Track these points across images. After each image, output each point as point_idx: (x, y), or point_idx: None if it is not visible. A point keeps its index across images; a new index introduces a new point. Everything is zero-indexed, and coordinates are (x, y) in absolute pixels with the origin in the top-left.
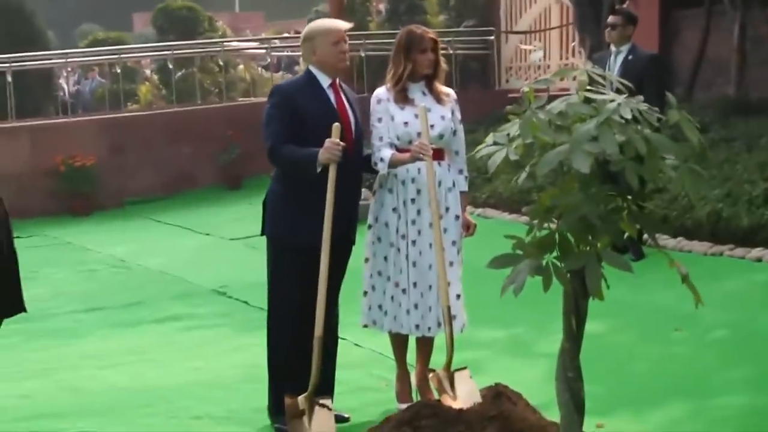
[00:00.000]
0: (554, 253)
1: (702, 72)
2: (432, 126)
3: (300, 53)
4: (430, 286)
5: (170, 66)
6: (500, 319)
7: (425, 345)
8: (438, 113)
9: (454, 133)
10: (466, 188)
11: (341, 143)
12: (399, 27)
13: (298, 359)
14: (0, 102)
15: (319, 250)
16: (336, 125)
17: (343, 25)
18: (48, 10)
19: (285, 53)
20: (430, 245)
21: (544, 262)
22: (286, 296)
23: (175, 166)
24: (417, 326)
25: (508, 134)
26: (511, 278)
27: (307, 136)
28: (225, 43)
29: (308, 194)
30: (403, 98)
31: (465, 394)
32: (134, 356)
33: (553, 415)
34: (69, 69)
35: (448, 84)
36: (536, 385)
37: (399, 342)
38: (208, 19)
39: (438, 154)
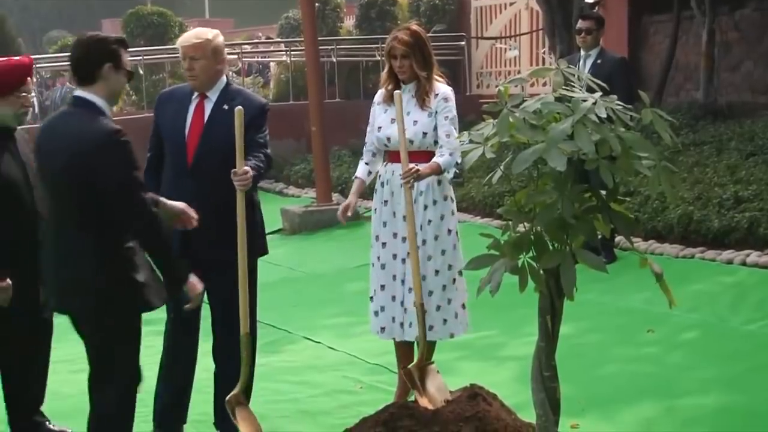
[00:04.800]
0: (530, 253)
1: (671, 77)
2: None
3: (270, 58)
4: (393, 297)
5: (141, 71)
6: (473, 322)
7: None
8: (412, 117)
9: (434, 128)
10: (438, 160)
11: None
12: (370, 33)
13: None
14: None
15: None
16: None
17: (186, 42)
18: (16, 17)
19: (255, 59)
20: (403, 260)
21: (519, 262)
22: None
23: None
24: (383, 329)
25: (483, 134)
26: (487, 278)
27: (165, 149)
28: None
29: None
30: (388, 98)
31: (435, 389)
32: None
33: (527, 416)
34: (38, 76)
35: None
36: (510, 387)
37: (396, 345)
38: (179, 25)
39: (412, 156)
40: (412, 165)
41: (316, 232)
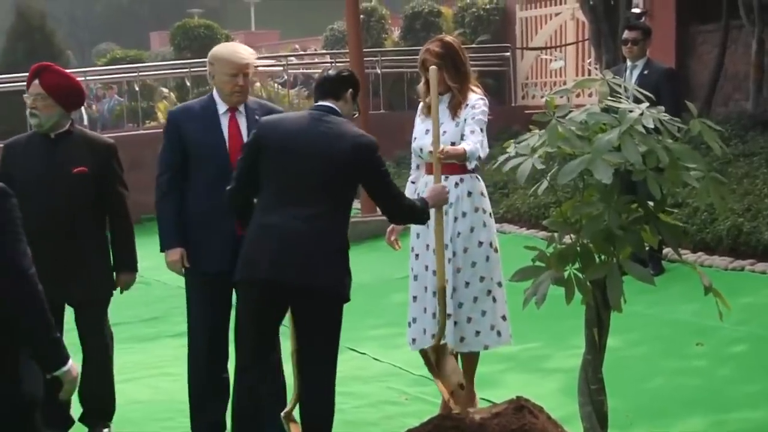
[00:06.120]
0: (576, 265)
1: (720, 87)
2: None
3: (314, 70)
4: (425, 309)
5: (188, 83)
6: (517, 333)
7: (466, 361)
8: (442, 128)
9: (462, 137)
10: (463, 145)
11: (182, 269)
12: (415, 44)
13: (206, 394)
14: (20, 120)
15: (226, 275)
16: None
17: (245, 58)
18: (65, 29)
19: (301, 70)
20: (434, 272)
21: (565, 274)
22: (197, 326)
23: None
24: (414, 340)
25: (529, 144)
26: (533, 290)
27: (193, 165)
28: None
29: (209, 217)
30: (426, 110)
31: (449, 371)
32: (154, 370)
33: (574, 429)
34: (87, 88)
35: None
36: (556, 399)
37: None
38: (225, 37)
39: (442, 168)
40: (442, 146)
41: (361, 242)
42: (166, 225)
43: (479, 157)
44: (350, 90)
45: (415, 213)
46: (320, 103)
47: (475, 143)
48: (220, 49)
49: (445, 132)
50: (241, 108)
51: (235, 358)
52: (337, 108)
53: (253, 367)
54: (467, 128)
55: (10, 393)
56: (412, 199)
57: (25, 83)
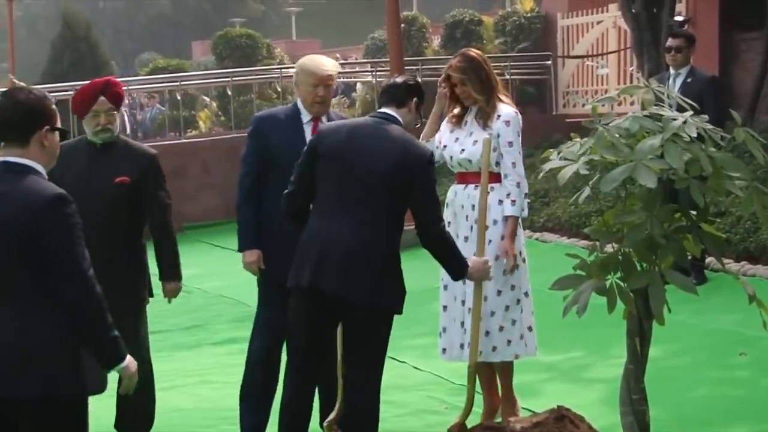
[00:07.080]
0: (617, 274)
1: (764, 95)
2: (462, 150)
3: (357, 79)
4: (454, 319)
5: (229, 92)
6: (559, 343)
7: (501, 371)
8: (473, 138)
9: (493, 149)
10: (511, 212)
11: (258, 270)
12: (455, 52)
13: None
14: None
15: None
16: None
17: (327, 69)
18: (109, 39)
19: (341, 79)
20: (463, 281)
21: (607, 283)
22: (265, 328)
23: (234, 191)
24: (444, 350)
25: (574, 152)
26: (574, 299)
27: (274, 172)
28: (283, 70)
29: (285, 226)
30: (455, 119)
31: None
32: (195, 378)
33: None
34: (129, 97)
35: None
36: (597, 409)
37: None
38: (267, 47)
39: (465, 178)
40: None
41: (402, 251)
42: (247, 227)
43: (525, 194)
44: (415, 99)
45: (447, 251)
46: (382, 110)
47: (515, 185)
48: (306, 60)
49: (476, 141)
50: (324, 118)
51: (286, 359)
52: (398, 116)
53: (302, 369)
54: (508, 159)
55: (73, 390)
56: (454, 242)
57: (70, 92)
